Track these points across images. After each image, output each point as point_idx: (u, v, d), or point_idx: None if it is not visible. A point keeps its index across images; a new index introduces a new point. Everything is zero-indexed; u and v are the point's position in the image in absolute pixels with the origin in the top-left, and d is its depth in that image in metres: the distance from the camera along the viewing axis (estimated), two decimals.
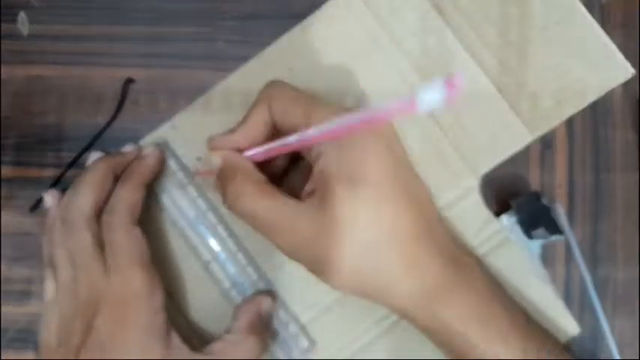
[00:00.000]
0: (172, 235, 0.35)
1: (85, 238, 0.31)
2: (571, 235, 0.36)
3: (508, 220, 0.35)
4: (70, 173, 0.36)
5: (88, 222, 0.31)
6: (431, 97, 0.21)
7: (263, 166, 0.32)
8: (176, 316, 0.34)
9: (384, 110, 0.24)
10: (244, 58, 0.36)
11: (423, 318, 0.30)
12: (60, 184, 0.36)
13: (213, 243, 0.35)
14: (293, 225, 0.29)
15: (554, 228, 0.35)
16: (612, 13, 0.37)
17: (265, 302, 0.33)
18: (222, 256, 0.34)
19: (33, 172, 0.37)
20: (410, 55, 0.35)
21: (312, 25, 0.36)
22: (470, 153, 0.35)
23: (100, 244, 0.31)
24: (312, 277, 0.31)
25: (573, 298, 0.36)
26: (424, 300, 0.29)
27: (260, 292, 0.34)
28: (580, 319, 0.36)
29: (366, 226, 0.28)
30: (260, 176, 0.31)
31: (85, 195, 0.32)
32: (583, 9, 0.34)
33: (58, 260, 0.31)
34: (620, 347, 0.36)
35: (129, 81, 0.37)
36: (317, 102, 0.30)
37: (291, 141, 0.29)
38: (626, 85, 0.37)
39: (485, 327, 0.29)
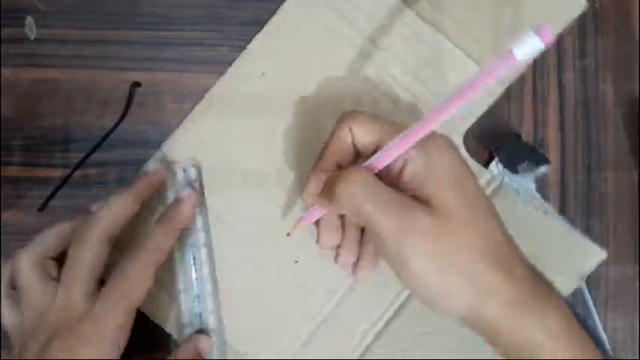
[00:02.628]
0: None
1: (91, 256, 0.31)
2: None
3: (497, 167, 0.35)
4: (77, 174, 0.37)
5: (99, 239, 0.31)
6: (527, 47, 0.23)
7: None
8: None
9: (487, 71, 0.24)
10: None
11: (511, 331, 0.27)
12: (67, 184, 0.37)
13: (193, 277, 0.35)
14: (405, 204, 0.27)
15: (537, 159, 0.35)
16: (605, 15, 0.38)
17: (202, 342, 0.34)
18: (194, 292, 0.35)
19: (41, 173, 0.37)
20: (364, 33, 0.36)
21: (274, 28, 0.37)
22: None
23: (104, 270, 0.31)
24: (274, 327, 0.34)
25: (566, 296, 0.36)
26: (517, 309, 0.27)
27: (197, 332, 0.35)
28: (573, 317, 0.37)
29: (463, 231, 0.27)
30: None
31: (108, 215, 0.32)
32: None
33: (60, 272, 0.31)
34: (613, 343, 0.36)
35: (135, 85, 0.37)
36: (392, 122, 0.30)
37: (391, 147, 0.28)
38: (618, 85, 0.38)
39: (570, 344, 0.27)
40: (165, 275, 0.35)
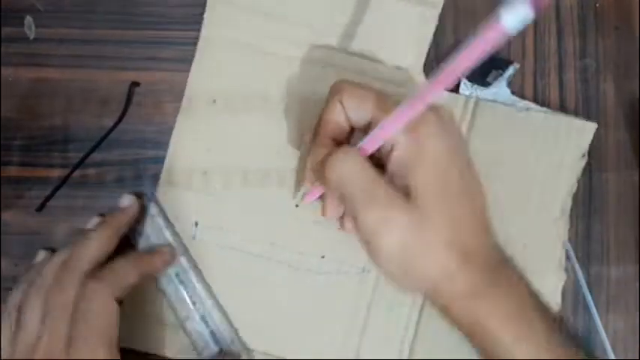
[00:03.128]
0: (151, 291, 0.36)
1: (69, 295, 0.30)
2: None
3: (467, 87, 0.36)
4: (76, 174, 0.37)
5: (81, 281, 0.30)
6: (517, 14, 0.20)
7: None
8: None
9: (475, 43, 0.22)
10: None
11: (463, 314, 0.29)
12: (66, 184, 0.37)
13: (190, 301, 0.35)
14: (386, 200, 0.28)
15: (503, 64, 0.35)
16: (606, 15, 0.38)
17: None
18: (198, 315, 0.35)
19: (40, 173, 0.37)
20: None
21: (205, 56, 0.37)
22: (401, 61, 0.36)
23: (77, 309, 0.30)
24: (278, 330, 0.35)
25: (567, 296, 0.37)
26: (471, 295, 0.28)
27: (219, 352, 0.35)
28: (574, 317, 0.37)
29: (441, 219, 0.28)
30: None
31: (87, 255, 0.31)
32: None
33: (29, 314, 0.30)
34: (614, 344, 0.36)
35: (134, 84, 0.37)
36: (382, 93, 0.30)
37: (380, 128, 0.28)
38: (619, 85, 0.37)
39: (521, 331, 0.28)
40: (163, 312, 0.35)
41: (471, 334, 0.30)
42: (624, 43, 0.38)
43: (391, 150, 0.29)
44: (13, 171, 0.37)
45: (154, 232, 0.35)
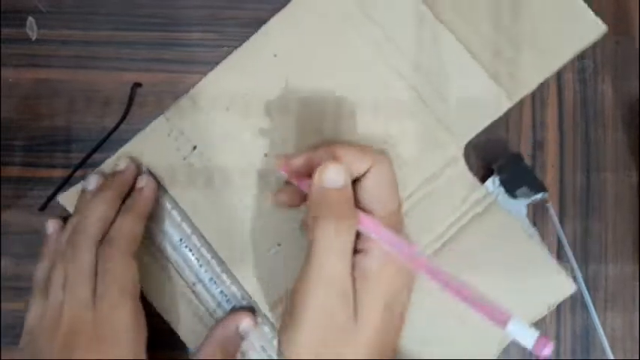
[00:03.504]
0: (158, 258, 0.36)
1: (85, 260, 0.31)
2: (562, 233, 0.37)
3: (493, 184, 0.35)
4: (78, 174, 0.37)
5: (93, 245, 0.32)
6: (521, 336, 0.25)
7: None
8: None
9: (479, 303, 0.27)
10: None
11: None
12: (68, 184, 0.37)
13: (198, 265, 0.36)
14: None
15: (537, 186, 0.35)
16: (605, 17, 0.37)
17: (245, 321, 0.34)
18: (207, 277, 0.36)
19: (42, 173, 0.37)
20: (384, 28, 0.36)
21: (291, 12, 0.37)
22: (453, 123, 0.36)
23: (96, 272, 0.31)
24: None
25: None
26: None
27: (241, 309, 0.35)
28: (572, 315, 0.37)
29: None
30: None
31: (94, 218, 0.32)
32: None
33: (52, 283, 0.32)
34: (612, 343, 0.36)
35: (136, 85, 0.37)
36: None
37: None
38: (617, 86, 0.38)
39: None
40: (169, 281, 0.36)
41: None
42: (622, 44, 0.38)
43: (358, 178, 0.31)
44: (14, 171, 0.37)
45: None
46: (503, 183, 0.35)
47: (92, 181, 0.35)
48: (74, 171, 0.37)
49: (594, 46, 0.38)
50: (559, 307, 0.36)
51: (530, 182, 0.35)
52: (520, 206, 0.35)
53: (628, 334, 0.37)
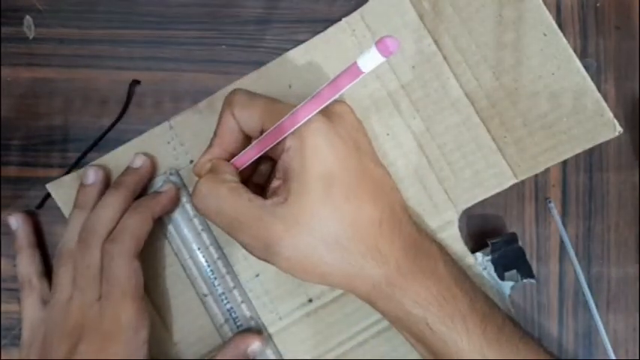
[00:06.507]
0: (172, 263, 0.36)
1: (95, 258, 0.32)
2: (565, 234, 0.37)
3: (483, 258, 0.36)
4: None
5: (101, 244, 0.32)
6: (369, 58, 0.24)
7: (250, 174, 0.34)
8: (167, 341, 0.35)
9: (334, 82, 0.26)
10: (247, 62, 0.37)
11: (384, 304, 0.30)
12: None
13: (211, 277, 0.35)
14: (257, 222, 0.29)
15: (526, 272, 0.35)
16: (607, 15, 0.38)
17: (255, 344, 0.34)
18: (219, 291, 0.35)
19: (39, 173, 0.37)
20: (401, 79, 0.36)
21: (314, 46, 0.36)
22: (453, 188, 0.36)
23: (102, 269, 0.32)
24: (285, 290, 0.35)
25: (567, 295, 0.37)
26: (385, 286, 0.30)
27: (252, 331, 0.35)
28: (574, 316, 0.37)
29: (326, 220, 0.29)
30: (231, 177, 0.31)
31: (106, 218, 0.32)
32: (578, 63, 0.34)
33: (61, 278, 0.32)
34: (614, 344, 0.36)
35: (135, 82, 0.37)
36: (272, 102, 0.31)
37: (257, 142, 0.30)
38: (620, 85, 0.37)
39: (444, 310, 0.30)
40: (181, 289, 0.36)
41: (402, 327, 0.31)
42: (625, 42, 0.38)
43: (280, 154, 0.30)
44: (12, 171, 0.37)
45: (180, 218, 0.35)
46: (494, 263, 0.35)
47: (90, 175, 0.34)
48: (71, 168, 0.37)
49: (597, 45, 0.38)
50: (561, 308, 0.36)
51: (520, 266, 0.35)
52: (505, 286, 0.35)
53: (630, 335, 0.37)
